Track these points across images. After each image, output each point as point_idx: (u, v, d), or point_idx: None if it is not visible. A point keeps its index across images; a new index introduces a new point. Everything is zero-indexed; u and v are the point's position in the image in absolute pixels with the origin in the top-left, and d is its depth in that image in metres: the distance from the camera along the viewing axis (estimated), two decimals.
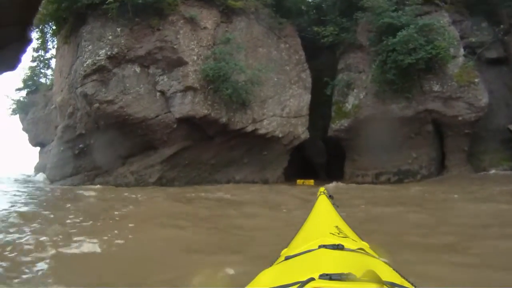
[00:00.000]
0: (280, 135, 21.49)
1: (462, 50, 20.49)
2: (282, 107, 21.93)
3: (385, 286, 1.29)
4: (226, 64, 18.92)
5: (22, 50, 9.32)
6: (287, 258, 2.03)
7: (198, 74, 19.09)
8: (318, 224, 2.92)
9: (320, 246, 1.96)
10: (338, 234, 2.33)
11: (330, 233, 2.33)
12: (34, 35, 23.66)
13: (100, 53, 18.14)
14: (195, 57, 19.33)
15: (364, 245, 2.27)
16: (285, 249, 2.42)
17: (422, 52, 18.61)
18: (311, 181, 21.49)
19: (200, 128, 19.74)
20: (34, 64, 36.69)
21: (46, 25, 22.81)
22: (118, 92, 18.18)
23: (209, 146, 20.47)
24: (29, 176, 32.26)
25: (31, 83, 38.09)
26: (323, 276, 1.33)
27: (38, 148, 37.48)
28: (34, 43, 26.73)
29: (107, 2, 17.72)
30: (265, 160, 22.07)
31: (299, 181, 21.50)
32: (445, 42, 19.02)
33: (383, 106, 20.46)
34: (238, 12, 21.57)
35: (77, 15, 19.13)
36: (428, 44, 18.79)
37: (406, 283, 1.52)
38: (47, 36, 24.87)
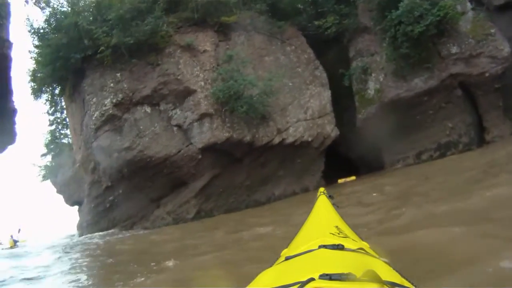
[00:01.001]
0: (310, 139, 20.57)
1: (468, 4, 19.35)
2: (304, 110, 21.00)
3: (385, 286, 1.28)
4: (234, 82, 18.10)
5: (12, 122, 8.74)
6: (287, 258, 2.02)
7: (210, 99, 18.30)
8: (318, 224, 2.90)
9: (320, 246, 1.96)
10: (338, 234, 2.33)
11: (330, 233, 2.31)
12: (41, 100, 23.50)
13: (106, 102, 17.72)
14: (202, 83, 18.58)
15: (364, 245, 2.28)
16: (285, 249, 2.42)
17: (429, 16, 17.59)
18: (353, 177, 20.78)
19: (226, 153, 18.86)
20: (53, 127, 36.85)
21: (50, 87, 22.46)
22: (133, 137, 17.62)
23: (239, 169, 19.58)
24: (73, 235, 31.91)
25: (54, 146, 38.20)
26: (323, 276, 1.31)
27: (76, 207, 37.45)
28: (44, 107, 26.72)
29: (99, 51, 17.36)
30: (300, 168, 21.13)
31: (340, 180, 20.78)
32: (450, 0, 17.94)
33: (406, 83, 19.50)
34: (234, 27, 20.76)
35: (75, 71, 18.80)
36: (433, 7, 17.76)
37: (406, 283, 1.53)
38: (55, 97, 24.63)
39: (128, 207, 19.34)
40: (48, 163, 39.74)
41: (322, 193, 4.06)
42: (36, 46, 20.04)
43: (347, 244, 1.99)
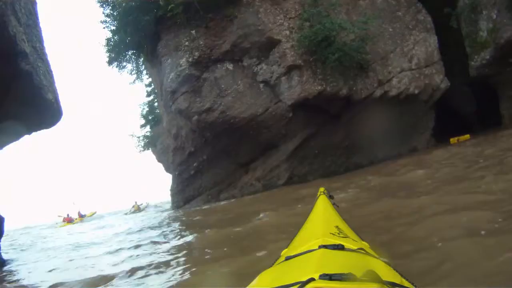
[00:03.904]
0: (416, 91, 17.89)
1: None
2: (408, 58, 18.24)
3: (385, 286, 1.26)
4: (322, 26, 15.31)
5: (27, 86, 6.92)
6: (287, 258, 1.96)
7: (297, 48, 15.67)
8: (318, 224, 2.74)
9: (320, 246, 1.89)
10: (338, 234, 2.27)
11: (330, 233, 2.26)
12: (126, 70, 22.91)
13: (181, 62, 16.01)
14: (287, 32, 15.97)
15: (364, 245, 2.24)
16: (285, 250, 2.36)
17: None
18: (467, 136, 18.04)
19: (321, 109, 16.32)
20: (151, 97, 37.48)
21: (128, 55, 21.47)
22: (214, 97, 15.76)
23: (337, 127, 16.99)
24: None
25: (153, 117, 38.20)
26: (323, 276, 1.28)
27: None
28: (130, 77, 26.60)
29: (168, 9, 15.70)
30: (407, 126, 18.25)
31: (452, 140, 18.03)
32: None
33: None
34: None
35: (151, 35, 17.49)
36: None
37: (406, 283, 1.52)
38: (139, 65, 23.68)
39: (213, 173, 17.60)
40: (148, 133, 39.71)
41: (322, 193, 3.76)
42: (107, 15, 19.33)
43: (347, 244, 1.95)
